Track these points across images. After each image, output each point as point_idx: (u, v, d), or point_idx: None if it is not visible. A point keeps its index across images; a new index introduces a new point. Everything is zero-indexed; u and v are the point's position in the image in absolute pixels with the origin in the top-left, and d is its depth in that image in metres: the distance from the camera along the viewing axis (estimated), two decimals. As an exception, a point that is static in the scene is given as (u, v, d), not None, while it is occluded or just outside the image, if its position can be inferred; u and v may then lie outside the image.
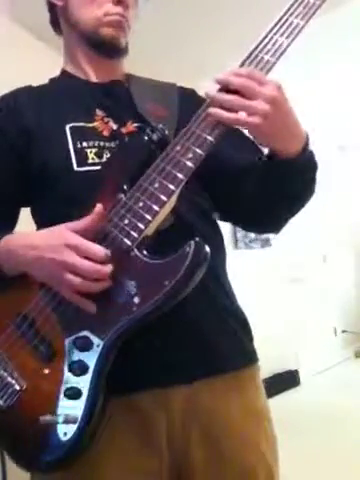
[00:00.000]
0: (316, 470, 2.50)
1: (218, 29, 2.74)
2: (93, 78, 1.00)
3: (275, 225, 0.99)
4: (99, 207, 0.77)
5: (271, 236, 4.13)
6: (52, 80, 1.05)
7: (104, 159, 0.89)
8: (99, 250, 0.74)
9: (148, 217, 0.76)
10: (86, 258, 0.74)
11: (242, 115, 0.74)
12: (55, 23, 1.04)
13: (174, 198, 0.78)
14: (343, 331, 5.10)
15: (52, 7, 1.03)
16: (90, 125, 0.92)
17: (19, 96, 0.98)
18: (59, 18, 1.02)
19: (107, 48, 0.98)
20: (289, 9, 0.79)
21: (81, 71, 1.01)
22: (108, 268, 0.74)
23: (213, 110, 0.75)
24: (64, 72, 1.04)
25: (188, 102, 1.00)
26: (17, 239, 0.83)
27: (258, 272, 3.93)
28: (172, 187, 0.76)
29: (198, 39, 2.83)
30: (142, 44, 2.61)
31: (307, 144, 0.84)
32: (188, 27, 2.73)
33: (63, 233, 0.76)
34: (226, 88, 0.75)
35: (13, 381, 0.81)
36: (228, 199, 0.98)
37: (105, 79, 1.00)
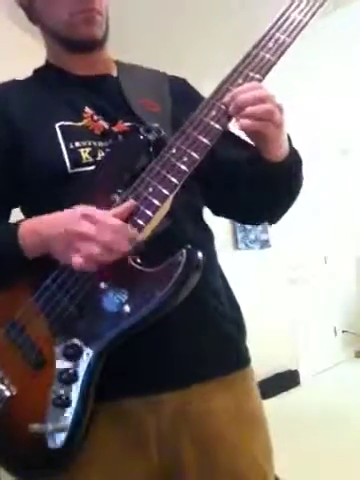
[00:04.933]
0: (316, 470, 2.49)
1: (218, 31, 2.74)
2: (78, 71, 0.96)
3: (271, 216, 0.99)
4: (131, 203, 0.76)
5: (271, 237, 4.13)
6: (36, 71, 1.01)
7: (99, 158, 0.86)
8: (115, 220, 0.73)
9: (141, 223, 0.75)
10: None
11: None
12: (31, 18, 0.98)
13: (168, 203, 0.77)
14: (343, 331, 5.10)
15: (22, 5, 0.97)
16: (79, 124, 0.89)
17: (4, 94, 0.94)
18: (32, 15, 0.97)
19: (83, 46, 0.93)
20: (289, 7, 0.79)
21: (64, 64, 0.96)
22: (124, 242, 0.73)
23: (243, 121, 0.75)
24: (48, 63, 1.00)
25: (180, 92, 0.98)
26: (38, 220, 0.81)
27: (258, 272, 3.93)
28: (166, 192, 0.75)
29: (198, 41, 2.84)
30: (142, 45, 2.62)
31: (291, 146, 0.86)
32: (189, 29, 2.73)
33: (77, 207, 0.75)
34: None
35: (4, 387, 0.80)
36: (223, 193, 0.97)
37: (91, 71, 0.96)
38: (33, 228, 0.80)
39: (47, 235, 0.77)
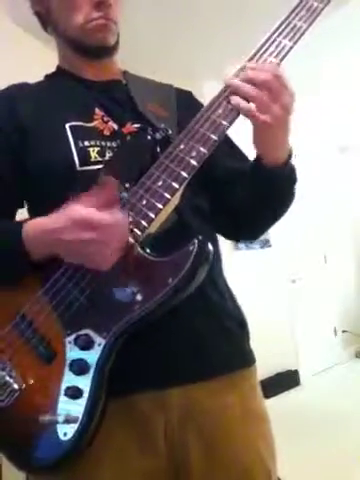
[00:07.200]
0: (316, 470, 2.50)
1: (218, 31, 2.75)
2: (89, 76, 0.99)
3: (255, 230, 1.02)
4: (108, 178, 0.77)
5: (271, 237, 4.14)
6: (47, 77, 1.04)
7: (107, 158, 0.88)
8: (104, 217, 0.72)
9: (151, 215, 0.76)
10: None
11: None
12: (44, 25, 1.02)
13: (177, 197, 0.78)
14: (343, 331, 5.10)
15: (38, 13, 1.01)
16: (90, 125, 0.91)
17: (14, 93, 0.96)
18: (46, 22, 1.01)
19: (96, 52, 0.96)
20: (293, 12, 0.81)
21: (76, 69, 1.00)
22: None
23: (235, 98, 0.78)
24: (60, 68, 1.03)
25: (185, 104, 1.01)
26: (36, 224, 0.81)
27: (258, 272, 3.94)
28: (175, 185, 0.76)
29: (198, 40, 2.84)
30: (142, 45, 2.62)
31: (290, 157, 0.88)
32: (189, 29, 2.74)
33: (71, 210, 0.74)
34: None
35: (11, 380, 0.80)
36: (215, 203, 0.99)
37: (101, 77, 0.99)
38: (33, 235, 0.79)
39: (51, 241, 0.77)
